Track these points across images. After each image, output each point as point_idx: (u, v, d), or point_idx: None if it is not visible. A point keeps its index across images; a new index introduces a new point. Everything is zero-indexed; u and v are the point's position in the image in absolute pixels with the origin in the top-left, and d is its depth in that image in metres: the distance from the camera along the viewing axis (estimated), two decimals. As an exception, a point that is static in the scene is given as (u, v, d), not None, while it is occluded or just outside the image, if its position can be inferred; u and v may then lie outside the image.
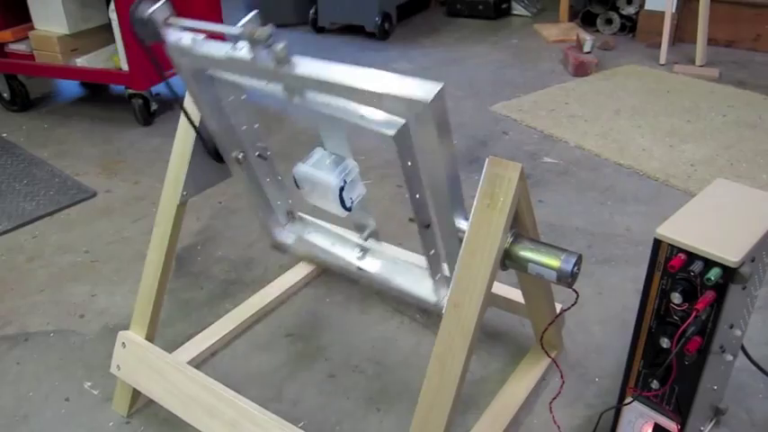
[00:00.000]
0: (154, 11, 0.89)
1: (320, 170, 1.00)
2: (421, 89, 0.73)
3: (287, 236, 1.26)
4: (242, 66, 0.87)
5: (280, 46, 0.80)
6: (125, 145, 2.24)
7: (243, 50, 0.85)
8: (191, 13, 2.45)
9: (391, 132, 0.79)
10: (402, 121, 0.79)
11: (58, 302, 1.48)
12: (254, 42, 0.81)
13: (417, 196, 0.90)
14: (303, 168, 1.01)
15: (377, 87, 0.75)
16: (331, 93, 0.83)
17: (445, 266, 1.03)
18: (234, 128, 1.08)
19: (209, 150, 1.10)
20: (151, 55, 0.93)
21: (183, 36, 0.92)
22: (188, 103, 1.08)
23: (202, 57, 0.91)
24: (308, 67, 0.82)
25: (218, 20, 2.56)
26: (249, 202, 1.23)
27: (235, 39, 0.84)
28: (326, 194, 1.00)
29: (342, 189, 0.99)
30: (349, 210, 1.02)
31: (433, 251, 0.99)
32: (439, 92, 0.73)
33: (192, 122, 1.05)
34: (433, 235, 0.97)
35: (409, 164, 0.85)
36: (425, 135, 0.76)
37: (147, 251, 1.14)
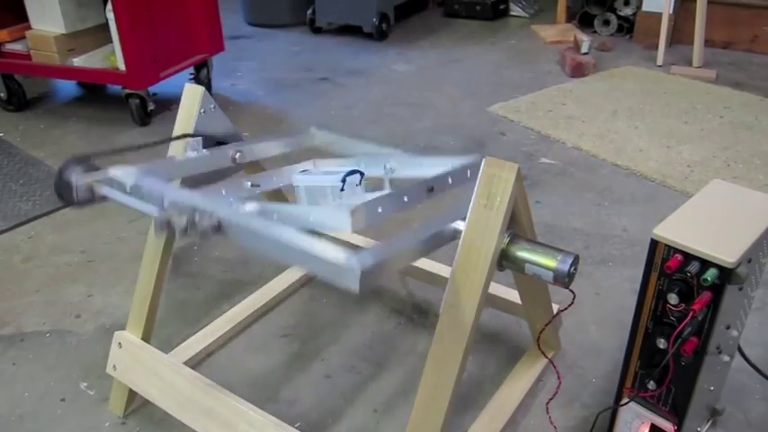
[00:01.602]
0: (78, 186, 0.86)
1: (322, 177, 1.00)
2: (345, 274, 0.70)
3: None
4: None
5: (204, 220, 0.77)
6: (122, 145, 2.24)
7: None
8: (188, 16, 2.46)
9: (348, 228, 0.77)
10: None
11: (53, 303, 1.47)
12: (177, 225, 0.78)
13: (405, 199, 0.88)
14: (302, 178, 1.01)
15: (309, 267, 0.74)
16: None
17: None
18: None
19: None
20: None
21: (113, 192, 0.88)
22: (181, 110, 1.08)
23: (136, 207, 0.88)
24: (241, 236, 0.78)
25: (216, 22, 2.55)
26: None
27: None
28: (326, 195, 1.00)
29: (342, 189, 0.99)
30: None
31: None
32: (362, 276, 0.69)
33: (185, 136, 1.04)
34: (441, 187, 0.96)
35: (380, 210, 0.84)
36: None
37: (144, 251, 1.13)
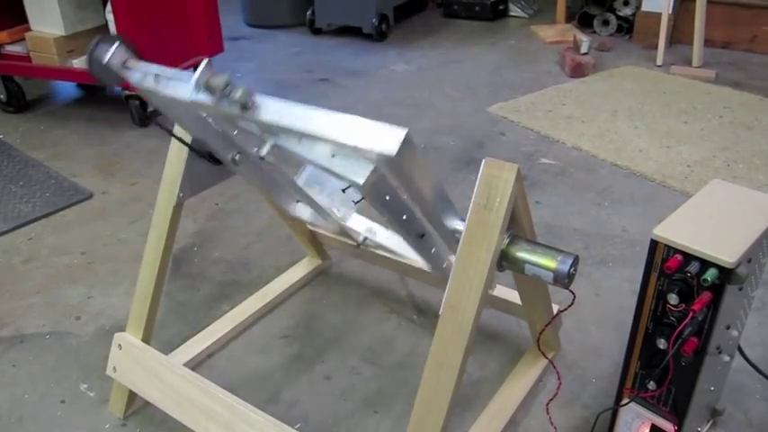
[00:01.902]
0: (110, 57, 0.87)
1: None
2: (387, 137, 0.70)
3: (302, 210, 1.24)
4: (207, 109, 0.84)
5: (239, 92, 0.76)
6: (121, 146, 2.24)
7: (205, 96, 0.80)
8: (187, 15, 2.46)
9: (360, 180, 0.76)
10: (370, 167, 0.76)
11: (53, 304, 1.47)
12: (211, 92, 0.78)
13: (404, 217, 0.89)
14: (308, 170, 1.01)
15: (342, 137, 0.72)
16: (298, 138, 0.80)
17: (450, 258, 1.01)
18: (225, 134, 1.07)
19: (204, 156, 1.10)
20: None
21: (144, 77, 0.88)
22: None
23: (168, 100, 0.87)
24: (271, 111, 0.77)
25: (216, 23, 2.55)
26: (258, 190, 1.21)
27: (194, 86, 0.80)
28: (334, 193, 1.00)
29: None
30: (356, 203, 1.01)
31: (433, 250, 0.98)
32: (404, 142, 0.69)
33: (183, 142, 1.04)
34: (429, 240, 0.96)
35: (387, 198, 0.83)
36: (399, 175, 0.74)
37: (143, 253, 1.13)
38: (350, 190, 1.00)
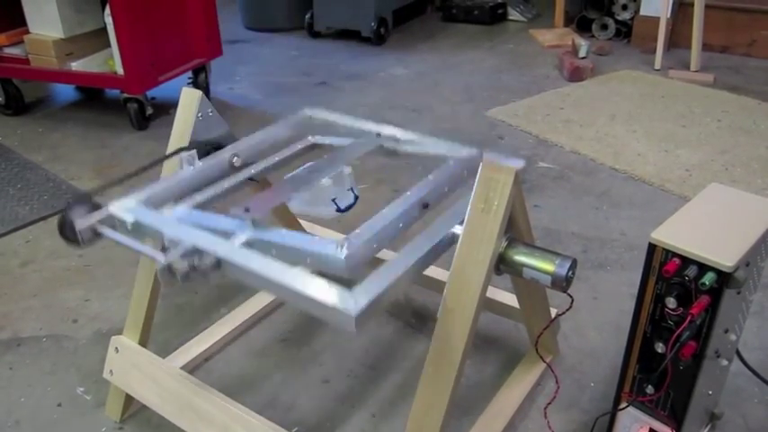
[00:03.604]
0: (81, 232, 0.88)
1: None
2: (342, 313, 0.70)
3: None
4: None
5: (207, 260, 0.79)
6: (120, 149, 2.24)
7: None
8: (186, 20, 2.46)
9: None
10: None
11: (51, 307, 1.47)
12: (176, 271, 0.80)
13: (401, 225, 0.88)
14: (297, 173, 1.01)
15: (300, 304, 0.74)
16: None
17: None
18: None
19: (203, 154, 1.10)
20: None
21: (115, 234, 0.90)
22: (179, 114, 1.08)
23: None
24: (239, 273, 0.79)
25: (214, 26, 2.56)
26: None
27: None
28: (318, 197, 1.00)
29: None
30: (342, 211, 1.01)
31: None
32: (367, 307, 0.70)
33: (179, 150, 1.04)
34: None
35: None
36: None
37: (141, 256, 1.13)
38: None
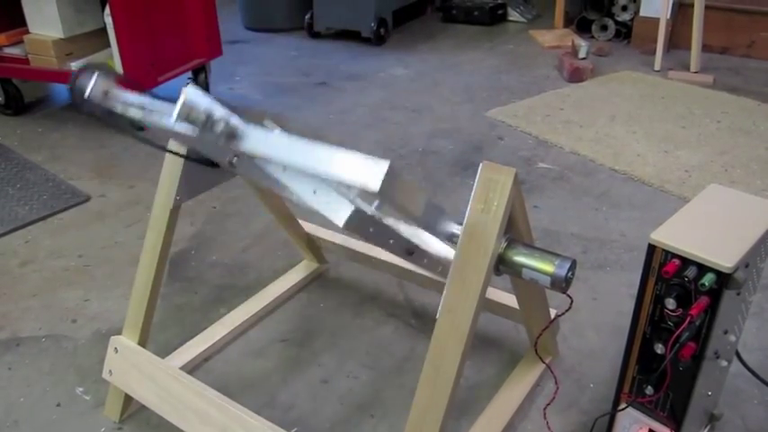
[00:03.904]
0: (91, 90, 0.85)
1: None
2: (369, 172, 0.68)
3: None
4: (191, 140, 0.82)
5: (220, 125, 0.75)
6: (119, 149, 2.23)
7: (188, 127, 0.79)
8: (186, 20, 2.46)
9: (339, 223, 0.75)
10: (350, 208, 0.76)
11: (50, 307, 1.47)
12: (192, 123, 0.77)
13: (391, 241, 0.88)
14: None
15: (325, 171, 0.71)
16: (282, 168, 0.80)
17: (432, 244, 1.00)
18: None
19: (201, 160, 1.10)
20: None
21: (129, 107, 0.87)
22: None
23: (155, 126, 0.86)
24: (255, 142, 0.76)
25: (214, 26, 2.56)
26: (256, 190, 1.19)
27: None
28: None
29: None
30: None
31: (425, 260, 0.98)
32: (386, 175, 0.68)
33: (178, 154, 1.04)
34: (419, 255, 0.96)
35: (371, 230, 0.83)
36: (385, 204, 0.73)
37: (140, 256, 1.13)
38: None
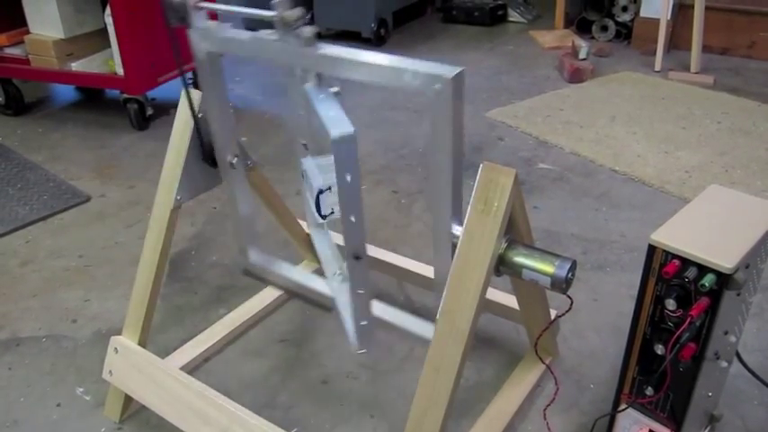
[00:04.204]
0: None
1: (316, 168, 1.00)
2: (442, 69, 0.81)
3: (263, 260, 1.26)
4: (267, 48, 0.94)
5: (307, 29, 0.88)
6: (120, 149, 2.24)
7: (269, 33, 0.93)
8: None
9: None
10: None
11: (50, 307, 1.47)
12: (284, 24, 0.88)
13: (352, 219, 0.86)
14: (308, 161, 1.01)
15: (400, 64, 0.86)
16: (355, 74, 0.90)
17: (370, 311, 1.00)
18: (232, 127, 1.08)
19: (205, 149, 1.10)
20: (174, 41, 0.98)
21: (209, 22, 0.99)
22: (179, 114, 1.09)
23: (228, 39, 1.00)
24: (332, 49, 0.90)
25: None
26: (232, 215, 1.22)
27: (266, 21, 0.90)
28: (311, 194, 0.99)
29: (321, 192, 0.96)
30: (323, 218, 0.97)
31: (362, 291, 0.94)
32: (459, 73, 0.80)
33: (192, 111, 1.05)
34: (363, 269, 0.92)
35: (348, 179, 0.84)
36: (440, 117, 0.80)
37: (141, 256, 1.13)
38: (326, 197, 0.99)
